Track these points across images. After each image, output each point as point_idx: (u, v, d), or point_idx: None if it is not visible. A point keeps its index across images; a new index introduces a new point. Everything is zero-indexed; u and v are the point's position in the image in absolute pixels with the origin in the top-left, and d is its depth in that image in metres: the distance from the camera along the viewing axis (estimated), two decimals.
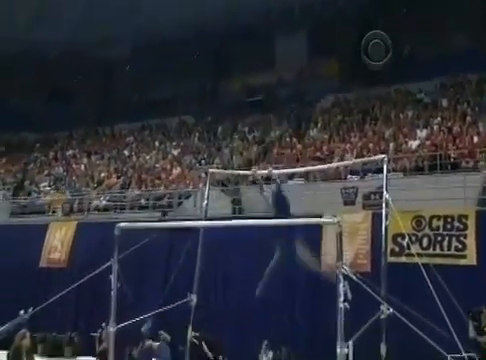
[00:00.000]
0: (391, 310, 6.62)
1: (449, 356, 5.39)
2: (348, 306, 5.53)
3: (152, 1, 21.90)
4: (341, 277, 5.64)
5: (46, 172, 22.95)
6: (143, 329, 11.23)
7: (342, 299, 5.53)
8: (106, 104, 27.45)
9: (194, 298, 8.49)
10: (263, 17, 23.28)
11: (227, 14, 22.73)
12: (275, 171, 7.76)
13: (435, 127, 15.69)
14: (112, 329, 7.31)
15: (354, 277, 5.81)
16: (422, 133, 15.51)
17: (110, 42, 24.69)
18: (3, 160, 25.41)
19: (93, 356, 12.84)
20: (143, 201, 17.32)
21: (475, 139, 13.99)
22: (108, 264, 7.25)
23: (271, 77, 23.80)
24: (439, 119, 16.17)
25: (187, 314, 8.62)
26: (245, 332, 12.03)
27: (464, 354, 5.42)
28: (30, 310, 8.15)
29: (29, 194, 21.03)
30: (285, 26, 23.33)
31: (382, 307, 6.79)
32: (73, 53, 25.65)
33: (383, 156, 8.58)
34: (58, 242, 16.10)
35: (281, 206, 7.70)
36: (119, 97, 27.63)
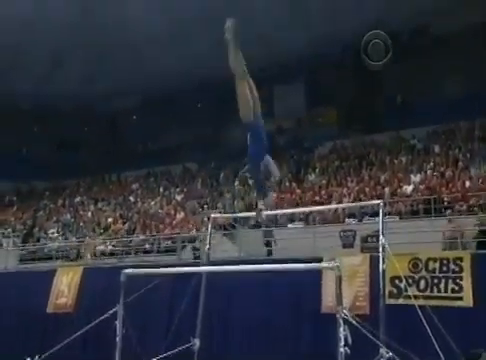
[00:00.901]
0: (390, 353, 6.54)
1: None
2: (348, 350, 5.48)
3: (156, 55, 22.37)
4: (341, 321, 5.59)
5: (55, 219, 22.95)
6: None
7: (342, 344, 5.48)
8: (113, 153, 27.70)
9: (197, 342, 8.38)
10: (262, 69, 23.70)
11: (227, 66, 23.13)
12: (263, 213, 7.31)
13: (428, 172, 15.79)
14: None
15: (354, 322, 5.76)
16: (416, 178, 15.60)
17: (116, 95, 25.14)
18: (14, 208, 25.46)
19: None
20: (148, 246, 17.27)
21: (467, 183, 14.06)
22: (114, 310, 7.21)
23: (271, 125, 24.01)
24: (432, 164, 16.29)
25: (190, 358, 8.50)
26: None
27: None
28: (37, 358, 8.03)
29: (38, 240, 20.98)
30: (283, 76, 23.73)
31: (381, 350, 6.71)
32: (82, 106, 26.13)
33: (379, 201, 8.62)
34: (65, 287, 15.95)
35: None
36: (125, 146, 27.95)
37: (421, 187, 14.76)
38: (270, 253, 14.11)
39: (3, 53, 22.49)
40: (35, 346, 11.03)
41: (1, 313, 16.43)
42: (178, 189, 22.40)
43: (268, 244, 14.35)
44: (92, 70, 23.51)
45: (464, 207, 12.88)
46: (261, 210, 6.51)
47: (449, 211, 12.79)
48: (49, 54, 22.95)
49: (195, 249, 15.34)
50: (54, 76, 23.87)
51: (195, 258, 14.55)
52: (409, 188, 15.01)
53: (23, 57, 22.86)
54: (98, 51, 22.56)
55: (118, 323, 7.09)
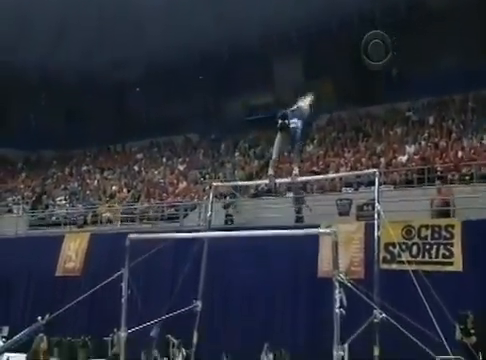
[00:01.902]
0: (383, 315, 6.57)
1: (438, 357, 5.34)
2: (344, 311, 5.50)
3: (158, 28, 22.07)
4: (337, 284, 5.60)
5: (62, 186, 23.00)
6: (152, 333, 11.18)
7: (338, 305, 5.49)
8: (117, 124, 27.57)
9: (199, 304, 8.43)
10: (262, 42, 23.46)
11: (229, 40, 22.91)
12: (298, 175, 7.65)
13: (423, 143, 15.72)
14: (123, 334, 7.27)
15: (349, 284, 5.77)
16: (411, 148, 15.54)
17: (122, 66, 24.89)
18: (23, 176, 25.48)
19: (105, 359, 12.78)
20: (151, 213, 17.32)
21: (460, 154, 14.00)
22: (119, 273, 7.23)
23: (270, 97, 23.89)
24: (426, 135, 16.21)
25: (193, 319, 8.56)
26: (247, 335, 11.96)
27: (451, 355, 5.37)
28: (47, 316, 8.12)
29: (47, 207, 21.05)
30: (282, 50, 23.48)
31: (375, 312, 6.73)
32: (87, 77, 25.92)
33: (375, 170, 8.55)
34: (73, 252, 16.08)
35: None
36: (129, 117, 27.78)
37: (415, 157, 14.71)
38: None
39: (10, 26, 22.32)
40: (45, 307, 11.13)
41: (13, 276, 16.60)
42: (180, 159, 22.37)
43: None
44: (95, 43, 23.27)
45: (456, 176, 12.85)
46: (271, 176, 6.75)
47: (438, 181, 12.73)
48: (54, 27, 22.70)
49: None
50: (59, 49, 23.68)
51: (197, 225, 14.59)
52: (404, 158, 14.97)
53: (29, 30, 22.61)
54: (101, 24, 22.32)
55: (123, 285, 7.11)
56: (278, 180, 7.22)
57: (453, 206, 11.67)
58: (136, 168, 22.83)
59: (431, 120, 17.42)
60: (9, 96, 27.59)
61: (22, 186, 23.89)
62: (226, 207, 15.14)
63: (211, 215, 8.91)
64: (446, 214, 11.55)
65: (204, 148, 22.88)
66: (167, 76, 25.31)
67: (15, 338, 8.33)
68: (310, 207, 13.17)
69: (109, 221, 17.75)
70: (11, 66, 24.40)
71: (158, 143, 25.30)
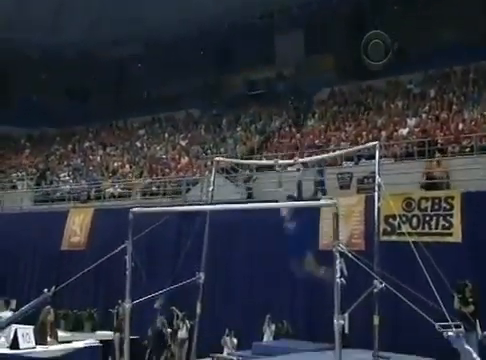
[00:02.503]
0: (383, 284, 6.62)
1: (437, 324, 5.39)
2: (344, 281, 5.53)
3: (160, 2, 21.80)
4: (337, 254, 5.63)
5: (65, 163, 23.03)
6: (156, 305, 11.32)
7: (338, 275, 5.52)
8: (119, 100, 27.46)
9: (202, 276, 8.51)
10: (263, 16, 23.19)
11: (229, 14, 22.64)
12: (299, 160, 7.70)
13: (423, 116, 15.62)
14: (128, 305, 7.35)
15: (349, 254, 5.79)
16: (411, 121, 15.45)
17: (121, 42, 24.70)
18: (26, 152, 25.49)
19: (111, 330, 12.96)
20: (154, 188, 17.34)
21: (460, 126, 13.92)
22: (123, 246, 7.27)
23: (271, 72, 23.70)
24: (427, 108, 16.10)
25: (196, 291, 8.65)
26: (249, 307, 12.09)
27: (451, 323, 5.42)
28: (53, 289, 8.20)
29: (51, 183, 21.11)
30: (283, 24, 23.22)
31: (375, 282, 6.79)
32: (87, 54, 25.73)
33: (375, 143, 8.53)
34: (77, 227, 16.18)
35: (300, 192, 7.72)
36: (131, 93, 27.62)
37: (416, 130, 14.64)
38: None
39: (10, 4, 22.15)
40: (51, 280, 11.24)
41: (19, 250, 16.75)
42: (182, 135, 22.29)
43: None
44: (95, 19, 23.07)
45: (457, 149, 12.80)
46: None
47: (438, 154, 12.69)
48: (54, 4, 22.51)
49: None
50: (59, 26, 23.50)
51: (199, 200, 14.62)
52: (405, 131, 14.89)
53: (29, 8, 22.41)
54: (100, 1, 22.06)
55: (127, 258, 7.16)
56: (280, 161, 7.25)
57: (447, 178, 11.66)
58: (138, 144, 22.78)
59: (432, 93, 17.27)
60: (10, 74, 27.52)
61: (26, 162, 23.92)
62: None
63: (213, 190, 8.93)
64: (439, 187, 11.54)
65: (205, 123, 22.77)
66: (167, 52, 25.11)
67: (22, 310, 8.42)
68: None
69: (112, 196, 17.81)
70: (11, 44, 24.25)
71: (160, 119, 25.18)
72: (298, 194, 7.68)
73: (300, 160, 8.10)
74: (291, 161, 9.00)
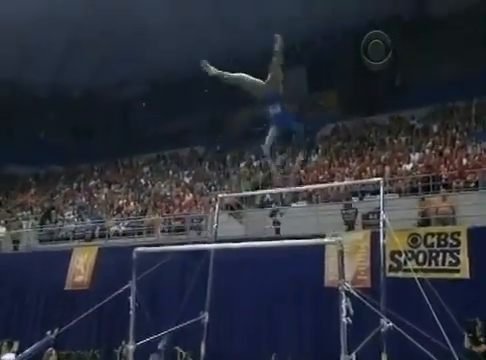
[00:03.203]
0: (390, 323, 6.53)
1: None
2: (350, 321, 5.47)
3: (164, 43, 22.27)
4: (343, 294, 5.58)
5: (70, 201, 23.08)
6: (160, 346, 11.15)
7: (344, 314, 5.47)
8: (124, 138, 27.73)
9: (206, 315, 8.42)
10: (265, 52, 23.56)
11: (232, 52, 23.05)
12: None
13: (427, 151, 15.68)
14: (131, 347, 7.26)
15: (355, 293, 5.75)
16: (415, 157, 15.50)
17: (127, 82, 25.15)
18: (32, 191, 25.61)
19: None
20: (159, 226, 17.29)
21: (464, 161, 13.95)
22: (127, 286, 7.23)
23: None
24: (430, 143, 16.17)
25: (200, 331, 8.54)
26: (255, 345, 11.91)
27: None
28: (56, 330, 8.14)
29: (55, 222, 21.11)
30: (286, 61, 23.51)
31: (382, 321, 6.70)
32: (94, 93, 26.17)
33: (379, 179, 8.55)
34: (81, 266, 16.07)
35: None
36: (136, 131, 27.93)
37: (420, 165, 14.67)
38: (275, 232, 14.10)
39: (20, 48, 22.74)
40: (55, 321, 11.15)
41: (23, 290, 16.62)
42: (186, 172, 22.40)
43: (274, 223, 14.34)
44: (101, 60, 23.55)
45: (461, 184, 12.80)
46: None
47: (443, 190, 12.68)
48: (61, 46, 23.07)
49: (198, 229, 15.34)
50: (66, 67, 23.99)
51: (203, 237, 14.57)
52: (408, 166, 14.92)
53: (37, 50, 22.97)
54: (106, 42, 22.60)
55: (131, 298, 7.12)
56: (283, 190, 7.20)
57: (453, 214, 11.63)
58: (143, 181, 22.88)
59: (435, 128, 17.38)
60: (18, 113, 27.91)
61: (31, 201, 24.01)
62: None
63: (217, 227, 8.92)
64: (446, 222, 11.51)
65: (210, 160, 22.91)
66: (172, 90, 25.49)
67: (25, 352, 8.34)
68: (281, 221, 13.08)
69: (116, 234, 17.78)
70: (20, 84, 24.76)
71: (164, 156, 25.37)
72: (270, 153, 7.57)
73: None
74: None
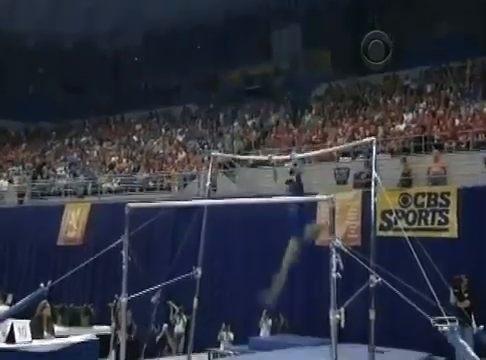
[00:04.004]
0: (380, 279, 6.64)
1: (432, 319, 5.42)
2: (340, 276, 5.55)
3: None
4: (333, 250, 5.65)
5: (62, 157, 22.99)
6: (153, 299, 11.30)
7: (334, 269, 5.55)
8: (116, 94, 27.38)
9: (199, 271, 8.52)
10: (260, 10, 23.14)
11: (226, 8, 22.63)
12: (296, 155, 7.66)
13: (420, 111, 15.63)
14: (124, 300, 7.37)
15: (345, 249, 5.81)
16: (408, 117, 15.45)
17: (119, 34, 24.62)
18: (23, 147, 25.45)
19: (108, 325, 12.97)
20: (151, 183, 17.33)
21: (457, 122, 13.94)
22: (119, 241, 7.28)
23: (268, 67, 23.69)
24: (424, 104, 16.11)
25: (193, 286, 8.66)
26: (246, 302, 12.11)
27: (446, 317, 5.45)
28: (49, 283, 8.18)
29: (47, 178, 21.08)
30: (281, 18, 23.16)
31: (371, 276, 6.80)
32: (84, 46, 25.63)
33: (372, 139, 8.52)
34: (74, 222, 16.16)
35: (299, 188, 7.67)
36: (128, 87, 27.57)
37: (413, 126, 14.66)
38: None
39: None
40: (47, 275, 11.24)
41: (15, 245, 16.74)
42: (179, 130, 22.29)
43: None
44: (93, 11, 22.97)
45: (453, 144, 12.83)
46: None
47: (435, 150, 12.69)
48: None
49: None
50: (57, 16, 23.32)
51: (196, 195, 14.62)
52: (402, 127, 14.91)
53: None
54: None
55: (124, 252, 7.17)
56: (275, 157, 7.16)
57: (444, 174, 11.68)
58: (135, 139, 22.77)
59: (429, 88, 17.29)
60: (6, 67, 27.34)
61: (23, 156, 23.88)
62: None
63: (210, 184, 8.93)
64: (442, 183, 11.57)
65: (203, 118, 22.76)
66: (165, 46, 25.06)
67: (18, 304, 8.40)
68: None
69: (109, 191, 17.80)
70: (8, 35, 24.12)
71: (157, 114, 25.16)
72: (299, 186, 7.66)
73: (297, 155, 8.06)
74: (287, 157, 8.98)
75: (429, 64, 18.84)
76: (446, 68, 18.32)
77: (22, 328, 8.65)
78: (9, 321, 8.75)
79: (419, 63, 18.80)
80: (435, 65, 18.71)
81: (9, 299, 14.97)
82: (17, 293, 13.75)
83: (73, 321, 14.34)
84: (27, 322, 9.01)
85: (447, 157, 12.17)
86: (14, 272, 16.76)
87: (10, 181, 20.96)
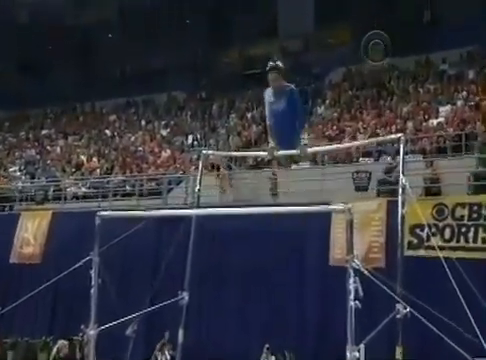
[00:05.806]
0: (408, 309, 6.65)
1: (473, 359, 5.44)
2: (359, 305, 5.55)
3: None
4: (351, 272, 5.65)
5: (17, 154, 23.00)
6: (128, 332, 11.29)
7: (352, 297, 5.55)
8: (85, 77, 27.43)
9: (186, 296, 8.51)
10: None
11: None
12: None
13: (459, 103, 15.71)
14: (92, 332, 7.33)
15: (366, 272, 5.82)
16: (445, 109, 15.55)
17: (89, 4, 24.64)
18: None
19: None
20: (128, 188, 17.35)
21: None
22: (88, 258, 7.26)
23: (273, 47, 23.76)
24: (464, 93, 16.20)
25: (178, 314, 8.66)
26: (244, 334, 12.12)
27: None
28: None
29: None
30: None
31: (398, 306, 6.81)
32: (46, 17, 25.60)
33: (400, 135, 8.56)
34: (30, 235, 16.13)
35: None
36: (100, 69, 27.62)
37: (450, 120, 14.73)
38: (272, 198, 14.19)
39: None
40: None
41: None
42: (163, 122, 22.37)
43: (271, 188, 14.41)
44: None
45: None
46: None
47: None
48: None
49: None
50: None
51: (183, 202, 14.65)
52: (436, 122, 14.98)
53: None
54: None
55: (93, 272, 7.15)
56: (281, 152, 7.14)
57: None
58: (108, 133, 22.82)
59: (471, 74, 17.40)
60: None
61: None
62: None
63: (200, 190, 8.94)
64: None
65: (192, 109, 22.83)
66: (146, 19, 25.13)
67: None
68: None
69: (75, 197, 17.79)
70: None
71: (135, 102, 25.28)
72: None
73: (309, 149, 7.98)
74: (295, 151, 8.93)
75: (471, 45, 18.94)
76: None
77: None
78: None
79: (459, 44, 18.88)
80: (479, 46, 18.80)
81: None
82: None
83: (28, 359, 14.32)
84: None
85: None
86: None
87: None
